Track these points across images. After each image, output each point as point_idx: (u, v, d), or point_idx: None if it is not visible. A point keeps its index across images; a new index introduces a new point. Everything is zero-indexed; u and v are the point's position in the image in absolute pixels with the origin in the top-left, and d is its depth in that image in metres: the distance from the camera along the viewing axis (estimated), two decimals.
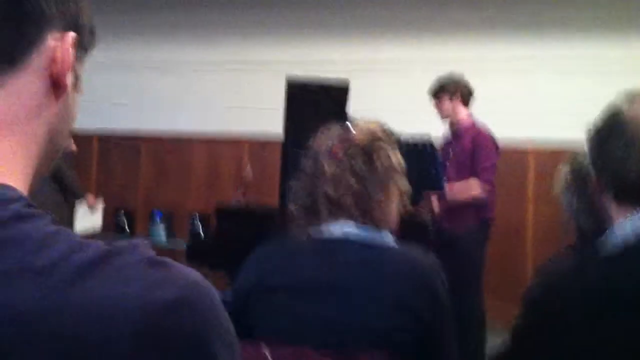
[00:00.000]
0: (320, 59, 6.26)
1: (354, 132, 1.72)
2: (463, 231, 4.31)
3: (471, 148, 4.34)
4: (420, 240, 3.62)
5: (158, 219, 6.54)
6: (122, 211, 6.73)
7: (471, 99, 4.51)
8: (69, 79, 0.72)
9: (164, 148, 6.97)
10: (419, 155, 3.91)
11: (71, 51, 0.71)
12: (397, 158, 1.73)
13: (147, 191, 7.00)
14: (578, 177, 2.17)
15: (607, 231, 1.35)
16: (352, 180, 1.66)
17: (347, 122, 1.76)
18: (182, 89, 6.89)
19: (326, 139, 1.74)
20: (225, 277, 3.94)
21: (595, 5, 5.85)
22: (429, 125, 4.53)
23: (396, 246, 1.70)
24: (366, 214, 1.67)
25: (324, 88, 4.11)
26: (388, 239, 1.70)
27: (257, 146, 6.56)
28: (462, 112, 4.46)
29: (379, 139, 1.72)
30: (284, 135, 4.11)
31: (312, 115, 3.88)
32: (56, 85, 0.71)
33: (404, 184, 1.74)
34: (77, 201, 5.17)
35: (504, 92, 5.96)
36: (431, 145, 4.09)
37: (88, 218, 5.26)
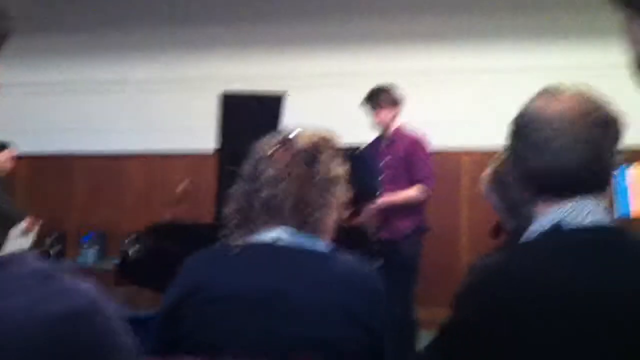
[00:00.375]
0: (257, 74, 6.27)
1: (296, 138, 1.72)
2: (400, 239, 4.37)
3: (405, 155, 4.41)
4: (359, 250, 3.67)
5: (86, 240, 6.45)
6: (53, 234, 6.54)
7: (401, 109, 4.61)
8: None
9: (97, 167, 6.83)
10: (353, 163, 3.96)
11: None
12: (338, 167, 1.73)
13: (80, 212, 6.84)
14: (499, 177, 2.24)
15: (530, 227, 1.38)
16: (290, 185, 1.66)
17: (291, 129, 1.76)
18: (115, 108, 6.78)
19: (267, 144, 1.73)
20: (153, 294, 3.88)
21: (532, 14, 6.07)
22: (361, 136, 4.59)
23: (330, 253, 1.69)
24: (302, 221, 1.66)
25: (258, 99, 4.12)
26: (321, 246, 1.69)
27: (193, 162, 6.50)
28: (397, 122, 4.55)
29: (321, 146, 1.72)
30: (218, 148, 4.08)
31: (247, 127, 3.87)
32: None
33: (343, 193, 1.74)
34: (13, 225, 5.04)
35: (436, 101, 6.11)
36: (361, 152, 4.15)
37: (18, 241, 5.11)
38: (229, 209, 1.72)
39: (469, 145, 6.00)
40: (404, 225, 4.41)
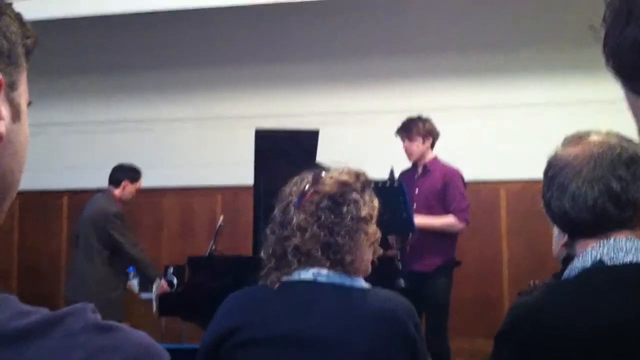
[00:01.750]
0: (291, 112, 6.33)
1: (324, 181, 1.72)
2: (431, 273, 4.33)
3: (442, 187, 4.38)
4: (391, 284, 3.64)
5: (130, 272, 6.48)
6: None
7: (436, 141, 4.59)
8: (1, 124, 0.66)
9: (134, 202, 6.92)
10: (389, 198, 3.93)
11: None
12: (368, 206, 1.72)
13: None
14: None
15: (571, 262, 1.40)
16: (320, 231, 1.66)
17: (319, 171, 1.76)
18: (150, 145, 6.89)
19: (296, 188, 1.74)
20: (198, 328, 3.89)
21: (557, 49, 6.02)
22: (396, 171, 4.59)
23: (368, 288, 1.70)
24: (336, 263, 1.67)
25: (292, 136, 4.15)
26: (359, 283, 1.70)
27: (230, 196, 6.56)
28: (431, 154, 4.52)
29: (350, 187, 1.71)
30: (254, 184, 4.12)
31: (282, 164, 3.90)
32: None
33: (374, 232, 1.74)
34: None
35: (472, 134, 6.08)
36: (400, 184, 4.12)
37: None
38: (264, 253, 1.75)
39: (508, 177, 5.94)
40: (436, 258, 4.36)
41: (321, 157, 4.38)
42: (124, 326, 0.62)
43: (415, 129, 4.50)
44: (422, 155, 4.50)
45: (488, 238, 6.01)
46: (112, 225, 5.03)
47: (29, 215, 7.09)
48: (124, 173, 5.34)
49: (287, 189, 1.77)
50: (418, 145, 4.48)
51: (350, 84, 6.46)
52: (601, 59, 0.63)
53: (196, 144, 6.78)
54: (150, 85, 6.93)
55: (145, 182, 6.84)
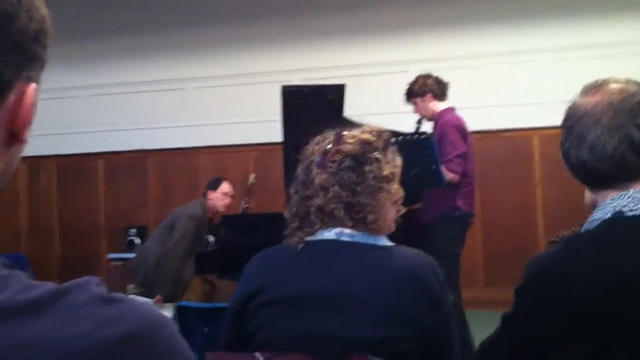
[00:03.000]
0: (319, 65, 6.29)
1: (345, 140, 1.71)
2: (427, 223, 4.27)
3: (438, 138, 4.29)
4: (418, 239, 3.63)
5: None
6: (132, 229, 6.75)
7: (445, 91, 4.46)
8: (27, 130, 0.68)
9: (168, 162, 7.01)
10: (418, 152, 3.90)
11: (34, 105, 0.68)
12: (390, 165, 1.71)
13: (156, 206, 7.04)
14: None
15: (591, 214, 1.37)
16: (342, 191, 1.66)
17: (341, 129, 1.75)
18: (182, 105, 6.93)
19: (318, 148, 1.73)
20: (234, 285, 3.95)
21: None
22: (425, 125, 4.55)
23: (391, 247, 1.69)
24: (358, 222, 1.66)
25: (319, 92, 4.13)
26: (382, 241, 1.70)
27: (262, 153, 6.59)
28: (438, 107, 4.42)
29: (371, 147, 1.70)
30: (283, 141, 4.12)
31: (309, 120, 3.88)
32: (14, 138, 0.67)
33: (396, 190, 1.73)
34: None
35: (504, 82, 5.98)
36: (427, 138, 4.07)
37: None
38: (288, 212, 1.75)
39: (540, 124, 5.85)
40: (430, 210, 4.30)
41: (349, 110, 4.37)
42: (129, 297, 0.63)
43: (410, 92, 4.45)
44: (431, 112, 4.42)
45: (522, 186, 5.96)
46: (182, 220, 5.10)
47: (68, 178, 7.23)
48: (207, 186, 5.39)
49: (309, 148, 1.76)
50: (419, 105, 4.42)
51: (377, 34, 6.38)
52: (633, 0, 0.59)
53: (227, 101, 6.80)
54: (180, 44, 6.93)
55: (179, 142, 6.93)
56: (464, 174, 4.26)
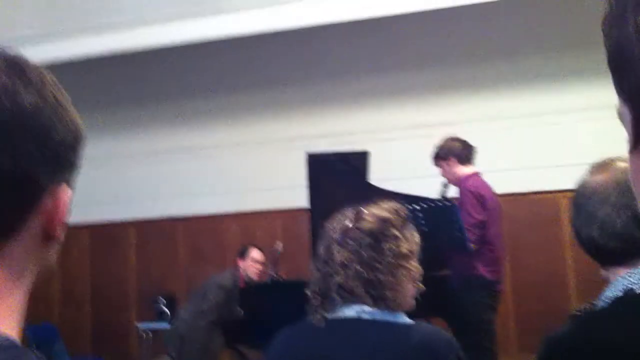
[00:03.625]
0: (342, 131, 6.37)
1: (364, 217, 1.76)
2: (456, 288, 4.23)
3: (460, 206, 4.26)
4: (445, 305, 3.57)
5: None
6: (162, 295, 6.78)
7: (471, 156, 4.44)
8: (62, 229, 0.74)
9: (197, 228, 7.07)
10: (443, 218, 3.90)
11: (68, 206, 0.74)
12: (409, 242, 1.75)
13: (186, 273, 7.07)
14: None
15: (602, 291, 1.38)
16: (361, 269, 1.69)
17: (360, 207, 1.79)
18: (209, 172, 7.04)
19: (338, 225, 1.78)
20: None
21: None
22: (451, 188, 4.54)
23: (410, 324, 1.71)
24: (378, 299, 1.70)
25: (343, 158, 4.18)
26: (402, 319, 1.72)
27: (289, 219, 6.62)
28: (463, 172, 4.40)
29: (390, 223, 1.74)
30: (309, 207, 4.16)
31: (335, 186, 3.94)
32: (49, 237, 0.73)
33: (415, 267, 1.76)
34: None
35: (531, 144, 5.99)
36: (451, 204, 4.07)
37: None
38: (310, 290, 1.79)
39: (567, 187, 5.80)
40: (456, 275, 4.27)
41: (375, 175, 4.40)
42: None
43: (436, 155, 4.47)
44: (456, 176, 4.41)
45: (551, 249, 5.89)
46: (212, 291, 5.19)
47: (99, 246, 7.34)
48: (236, 255, 5.50)
49: (329, 227, 1.81)
50: (444, 169, 4.42)
51: (402, 98, 6.46)
52: None
53: (253, 167, 6.89)
54: (206, 111, 7.09)
55: (207, 208, 7.00)
56: (485, 241, 4.21)
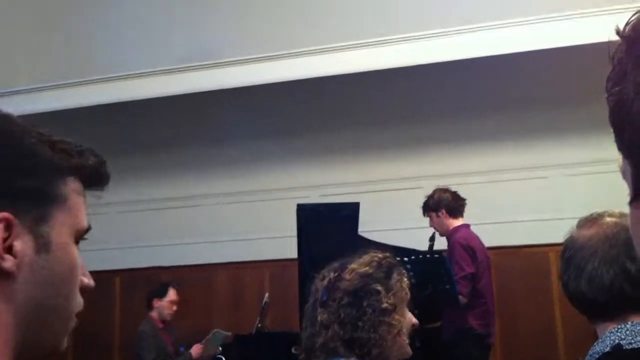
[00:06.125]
0: (332, 182, 6.39)
1: (345, 276, 1.75)
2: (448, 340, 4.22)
3: (449, 258, 4.27)
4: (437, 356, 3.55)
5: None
6: None
7: (460, 208, 4.48)
8: (8, 261, 0.72)
9: (185, 278, 7.01)
10: (432, 271, 3.90)
11: (15, 236, 0.72)
12: (392, 294, 1.74)
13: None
14: None
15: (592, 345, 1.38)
16: (340, 329, 1.69)
17: (343, 263, 1.78)
18: (198, 221, 7.01)
19: (321, 282, 1.78)
20: None
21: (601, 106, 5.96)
22: (443, 239, 4.54)
23: None
24: (363, 356, 1.69)
25: (333, 209, 4.19)
26: None
27: (278, 269, 6.59)
28: (452, 224, 4.42)
29: (371, 278, 1.74)
30: (299, 257, 4.15)
31: (324, 237, 3.93)
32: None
33: (399, 320, 1.74)
34: None
35: (519, 197, 6.02)
36: (441, 258, 4.07)
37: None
38: (298, 349, 1.79)
39: (555, 240, 5.81)
40: (447, 327, 4.26)
41: (365, 226, 4.40)
42: None
43: (425, 206, 4.50)
44: (445, 227, 4.43)
45: (541, 302, 5.87)
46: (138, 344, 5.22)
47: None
48: (151, 293, 5.50)
49: (315, 284, 1.81)
50: (434, 220, 4.45)
51: (392, 151, 6.50)
52: None
53: (243, 217, 6.87)
54: (195, 162, 7.09)
55: (196, 258, 6.95)
56: (476, 294, 4.21)
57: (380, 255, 1.80)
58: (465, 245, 4.24)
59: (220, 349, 5.39)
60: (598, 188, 5.62)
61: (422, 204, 4.52)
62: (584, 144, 6.02)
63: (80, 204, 0.82)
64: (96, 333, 7.09)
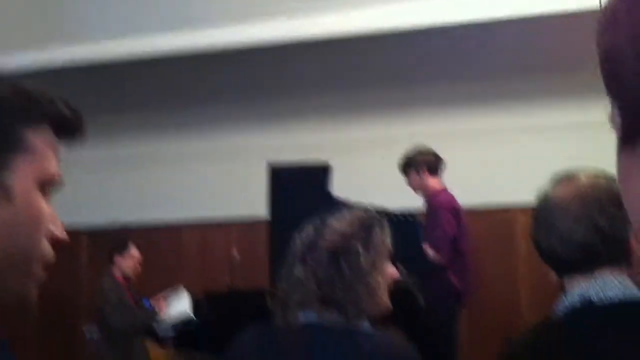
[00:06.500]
0: (304, 143, 6.37)
1: (324, 234, 1.73)
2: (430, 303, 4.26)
3: (429, 217, 4.29)
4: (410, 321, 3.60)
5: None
6: None
7: (440, 168, 4.49)
8: None
9: (153, 237, 6.96)
10: (403, 233, 3.92)
11: None
12: (373, 253, 1.72)
13: (139, 281, 6.96)
14: None
15: (559, 300, 1.42)
16: (316, 288, 1.68)
17: (322, 221, 1.76)
18: (167, 180, 6.95)
19: (301, 239, 1.76)
20: None
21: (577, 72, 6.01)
22: (415, 200, 4.55)
23: (371, 333, 1.70)
24: (339, 311, 1.68)
25: (305, 170, 4.18)
26: (362, 328, 1.71)
27: (245, 229, 6.58)
28: (432, 183, 4.43)
29: (350, 237, 1.71)
30: (269, 219, 4.15)
31: (296, 196, 3.93)
32: None
33: (377, 280, 1.73)
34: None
35: (487, 159, 6.06)
36: (413, 220, 4.10)
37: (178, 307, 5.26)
38: (271, 303, 1.77)
39: (524, 202, 5.89)
40: (435, 287, 4.30)
41: (338, 189, 4.39)
42: None
43: (405, 165, 4.48)
44: (425, 187, 4.43)
45: (506, 263, 5.97)
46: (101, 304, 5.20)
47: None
48: (112, 249, 5.43)
49: (294, 241, 1.78)
50: (415, 179, 4.44)
51: (366, 112, 6.48)
52: None
53: (210, 177, 6.83)
54: (165, 121, 7.01)
55: (164, 216, 6.91)
56: (458, 254, 4.26)
57: (361, 213, 1.79)
58: (450, 208, 4.28)
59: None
60: (572, 149, 5.71)
61: (401, 164, 4.49)
62: (559, 108, 6.07)
63: (49, 154, 0.79)
64: (62, 293, 7.05)
